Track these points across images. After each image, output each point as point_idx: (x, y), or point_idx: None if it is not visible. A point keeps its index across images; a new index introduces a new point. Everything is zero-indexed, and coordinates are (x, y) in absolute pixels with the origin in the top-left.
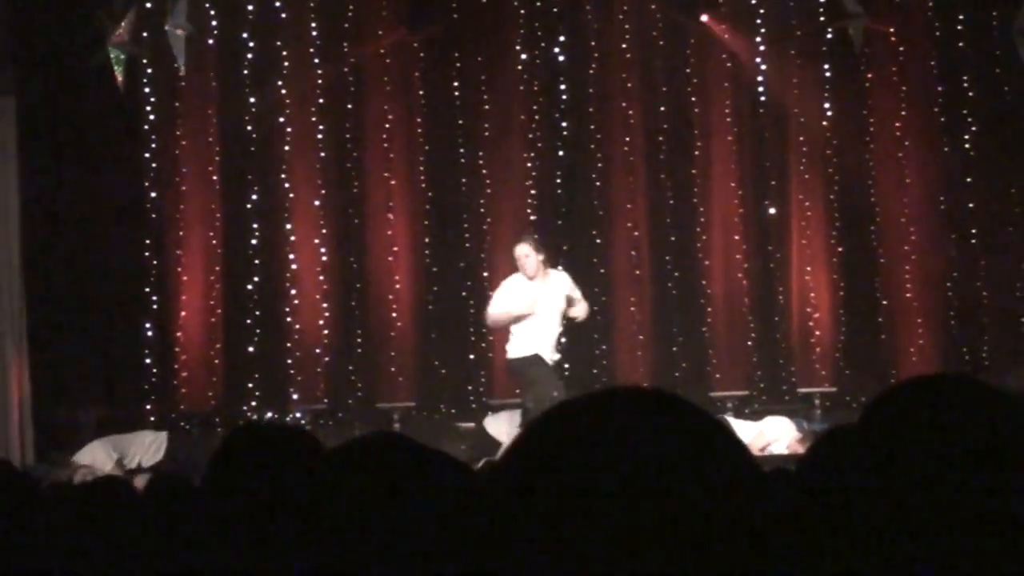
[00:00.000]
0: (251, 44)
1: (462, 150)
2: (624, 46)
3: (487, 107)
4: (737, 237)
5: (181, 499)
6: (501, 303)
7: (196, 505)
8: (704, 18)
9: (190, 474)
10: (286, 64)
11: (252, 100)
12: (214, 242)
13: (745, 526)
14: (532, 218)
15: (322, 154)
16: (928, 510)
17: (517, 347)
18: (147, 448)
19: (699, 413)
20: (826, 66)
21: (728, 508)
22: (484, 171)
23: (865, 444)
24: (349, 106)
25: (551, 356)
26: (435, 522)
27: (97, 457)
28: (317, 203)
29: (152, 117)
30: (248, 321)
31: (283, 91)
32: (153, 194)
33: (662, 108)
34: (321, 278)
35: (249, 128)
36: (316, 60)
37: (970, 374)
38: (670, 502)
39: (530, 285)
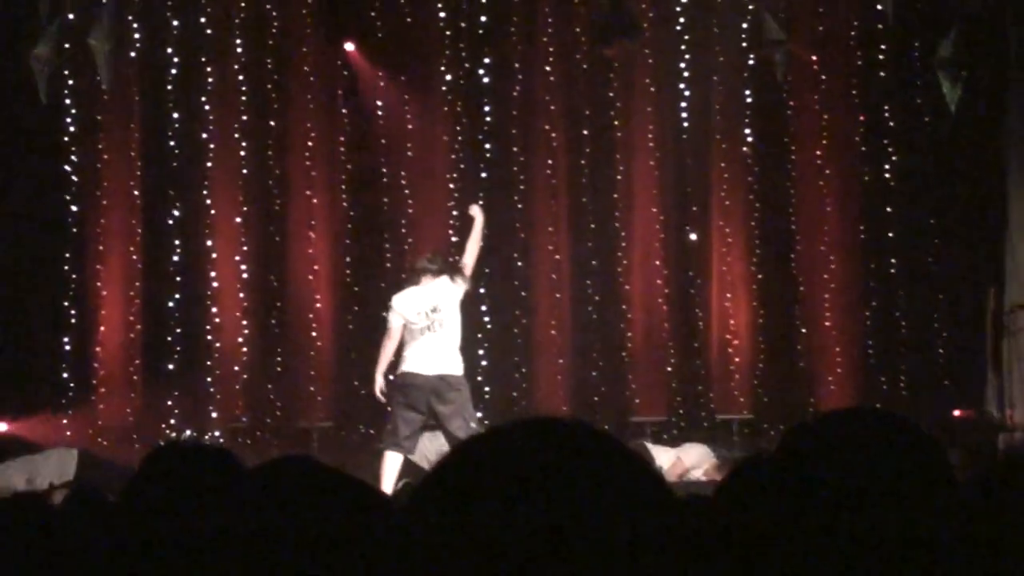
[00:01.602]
0: (175, 59)
1: (384, 169)
2: (548, 69)
3: (410, 126)
4: (658, 262)
5: (97, 515)
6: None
7: (113, 522)
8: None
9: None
10: (209, 80)
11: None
12: (134, 257)
13: (661, 553)
14: (454, 239)
15: (244, 170)
16: (841, 539)
17: (459, 363)
18: (57, 466)
19: (613, 442)
20: (748, 92)
21: (644, 536)
22: (406, 191)
23: (781, 474)
24: (272, 123)
25: None
26: (343, 548)
27: (11, 478)
28: (238, 219)
29: (73, 129)
30: (168, 337)
31: (206, 107)
32: (74, 207)
33: (584, 131)
34: (241, 295)
35: (172, 143)
36: (240, 76)
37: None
38: (585, 533)
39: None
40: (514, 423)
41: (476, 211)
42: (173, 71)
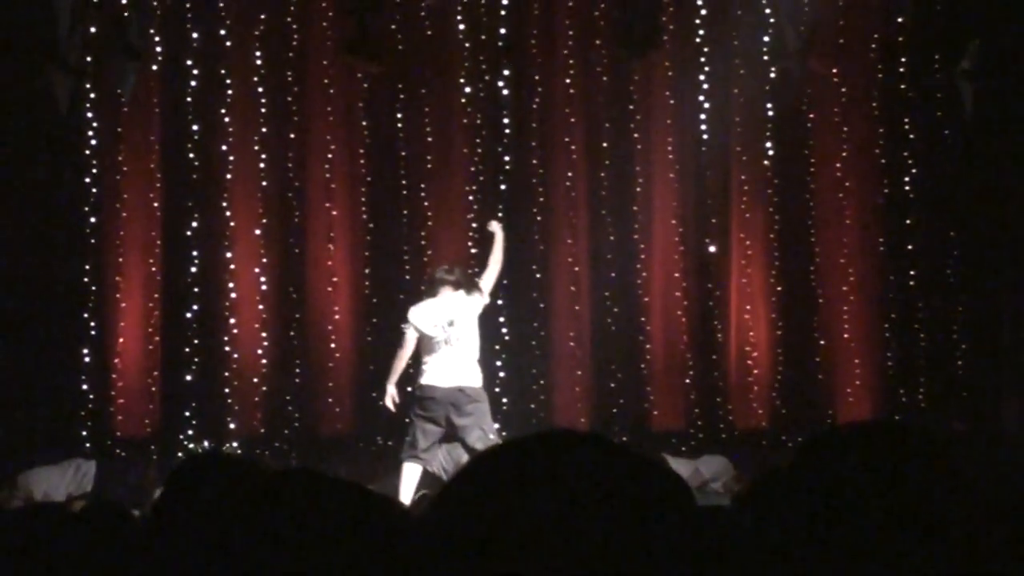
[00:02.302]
0: (195, 71)
1: (404, 182)
2: (568, 81)
3: (430, 139)
4: (677, 274)
5: (118, 526)
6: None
7: (133, 533)
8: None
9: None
10: (229, 92)
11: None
12: (153, 269)
13: (682, 564)
14: (473, 251)
15: (264, 183)
16: (858, 554)
17: (478, 375)
18: (75, 478)
19: (630, 454)
20: (768, 105)
21: (664, 546)
22: (425, 203)
23: (798, 487)
24: (292, 135)
25: None
26: (362, 561)
27: (30, 489)
28: (258, 232)
29: (94, 142)
30: (186, 349)
31: (226, 119)
32: (93, 219)
33: (604, 144)
34: (260, 307)
35: (191, 156)
36: (259, 89)
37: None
38: (600, 543)
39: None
40: (530, 435)
41: (496, 227)
42: (193, 83)
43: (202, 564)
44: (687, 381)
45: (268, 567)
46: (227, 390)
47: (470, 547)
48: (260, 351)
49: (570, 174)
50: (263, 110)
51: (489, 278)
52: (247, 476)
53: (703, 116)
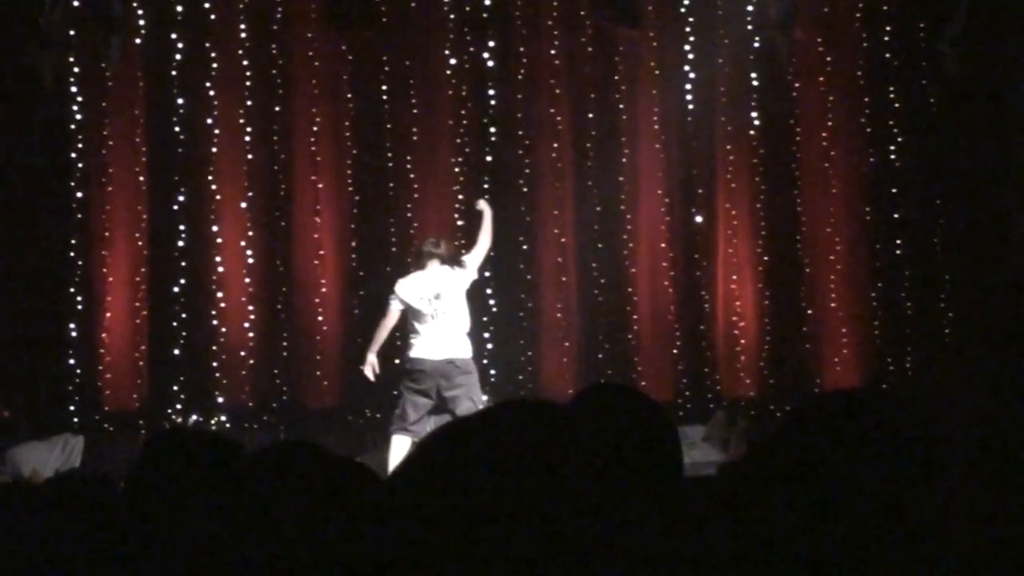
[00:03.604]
0: (179, 45)
1: (389, 154)
2: (553, 52)
3: (415, 111)
4: (663, 245)
5: (95, 500)
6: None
7: (112, 505)
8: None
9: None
10: (214, 65)
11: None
12: (140, 243)
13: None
14: (459, 222)
15: (249, 156)
16: (840, 518)
17: (467, 346)
18: (63, 453)
19: (572, 418)
20: (753, 75)
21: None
22: (411, 175)
23: (783, 456)
24: (277, 108)
25: None
26: (342, 529)
27: (19, 465)
28: (244, 205)
29: (79, 116)
30: (173, 323)
31: (211, 92)
32: (79, 194)
33: (590, 115)
34: (247, 280)
35: (177, 129)
36: (244, 62)
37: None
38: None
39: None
40: (498, 405)
41: (484, 205)
42: (178, 56)
43: (180, 536)
44: (674, 351)
45: (253, 538)
46: (215, 364)
47: (435, 511)
48: (247, 324)
49: (556, 145)
50: (248, 83)
51: (477, 254)
52: (223, 449)
53: (688, 86)
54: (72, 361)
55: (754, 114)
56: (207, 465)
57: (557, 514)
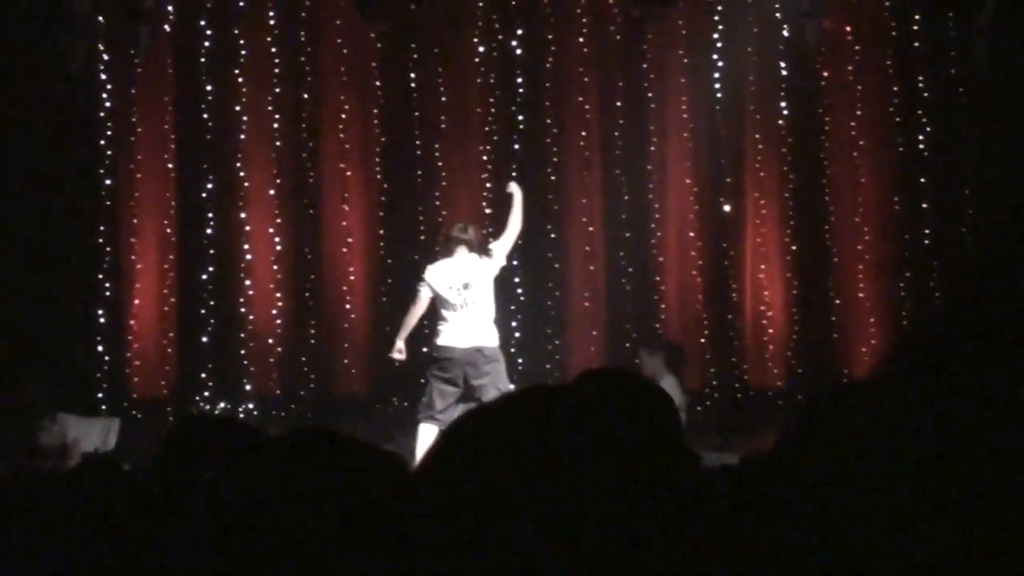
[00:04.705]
0: (208, 32)
1: (418, 142)
2: (581, 40)
3: (443, 99)
4: (692, 234)
5: (112, 483)
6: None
7: (130, 490)
8: None
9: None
10: (243, 52)
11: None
12: (168, 230)
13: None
14: (487, 211)
15: (278, 143)
16: (863, 510)
17: (495, 335)
18: (101, 434)
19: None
20: (782, 64)
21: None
22: (440, 163)
23: (807, 445)
24: (305, 96)
25: None
26: (364, 517)
27: (66, 432)
28: (272, 192)
29: (108, 104)
30: (202, 310)
31: (240, 79)
32: (108, 181)
33: (618, 103)
34: (275, 268)
35: (205, 116)
36: (273, 49)
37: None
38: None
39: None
40: (523, 391)
41: (514, 188)
42: (207, 44)
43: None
44: (702, 341)
45: (277, 523)
46: (243, 351)
47: (457, 498)
48: (275, 312)
49: (584, 134)
50: (277, 71)
51: (507, 240)
52: (245, 436)
53: (717, 75)
54: (101, 348)
55: (783, 103)
56: (229, 452)
57: (577, 500)
